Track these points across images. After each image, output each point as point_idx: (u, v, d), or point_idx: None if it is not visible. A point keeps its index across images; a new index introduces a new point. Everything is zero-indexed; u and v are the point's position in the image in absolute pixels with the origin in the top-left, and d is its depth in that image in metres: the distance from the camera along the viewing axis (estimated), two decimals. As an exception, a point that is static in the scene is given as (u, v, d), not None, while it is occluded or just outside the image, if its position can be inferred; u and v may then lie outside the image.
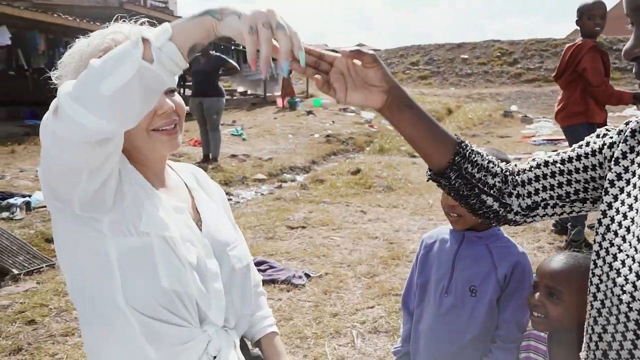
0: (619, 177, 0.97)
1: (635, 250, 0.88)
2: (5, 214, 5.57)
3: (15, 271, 4.30)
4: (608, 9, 4.34)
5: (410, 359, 1.82)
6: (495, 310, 1.65)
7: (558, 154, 1.11)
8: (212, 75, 7.96)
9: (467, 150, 1.07)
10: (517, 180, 1.11)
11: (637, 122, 0.99)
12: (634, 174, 0.96)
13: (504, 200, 1.09)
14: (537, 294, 1.44)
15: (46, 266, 4.51)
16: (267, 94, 19.85)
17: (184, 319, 1.14)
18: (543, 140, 12.48)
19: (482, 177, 1.08)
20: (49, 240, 5.08)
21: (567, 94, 4.42)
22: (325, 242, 4.75)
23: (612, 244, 0.94)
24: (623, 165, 0.97)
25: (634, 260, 0.88)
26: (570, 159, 1.07)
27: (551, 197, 1.08)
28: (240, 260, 1.31)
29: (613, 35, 24.66)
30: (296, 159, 9.51)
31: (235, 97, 19.23)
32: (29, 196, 6.19)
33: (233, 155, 9.20)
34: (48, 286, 3.86)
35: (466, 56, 30.06)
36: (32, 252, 4.72)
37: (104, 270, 1.09)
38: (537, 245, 4.49)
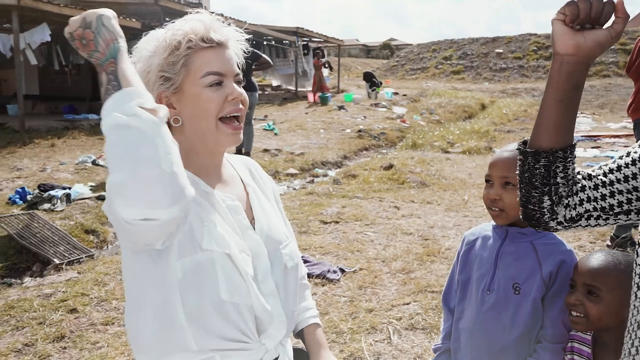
0: None
1: None
2: (46, 206, 5.73)
3: (57, 261, 4.43)
4: None
5: (450, 357, 1.79)
6: (540, 309, 1.60)
7: (600, 167, 1.09)
8: (245, 70, 8.01)
9: (571, 157, 1.05)
10: (571, 191, 1.08)
11: None
12: None
13: (555, 209, 1.07)
14: (575, 294, 1.40)
15: (86, 256, 4.64)
16: (299, 89, 19.90)
17: (242, 332, 1.14)
18: (581, 136, 12.13)
19: (560, 184, 1.05)
20: (88, 232, 5.22)
21: (638, 87, 4.25)
22: (358, 237, 4.73)
23: None
24: None
25: None
26: (611, 170, 1.05)
27: (595, 209, 1.06)
28: (292, 259, 1.31)
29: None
30: (328, 154, 9.50)
31: (266, 92, 19.34)
32: (69, 188, 6.36)
33: (265, 150, 9.27)
34: (88, 276, 3.95)
35: (500, 50, 29.45)
36: (72, 242, 4.85)
37: (168, 291, 1.09)
38: (578, 244, 4.36)
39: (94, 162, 8.16)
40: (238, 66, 1.23)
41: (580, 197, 1.06)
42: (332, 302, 3.36)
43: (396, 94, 19.59)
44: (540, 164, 1.04)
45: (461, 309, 1.74)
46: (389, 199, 6.20)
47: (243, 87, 1.23)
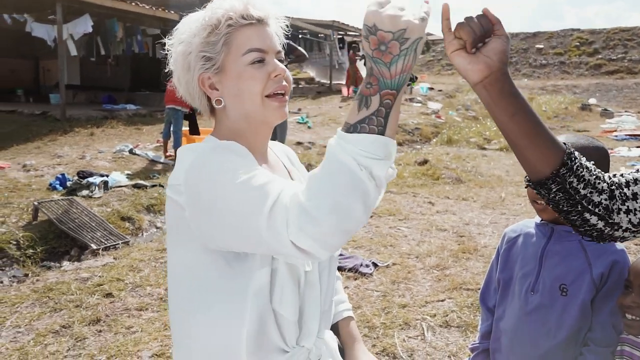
0: None
1: None
2: (85, 192, 5.86)
3: (94, 246, 4.53)
4: None
5: (488, 357, 1.72)
6: (589, 311, 1.53)
7: None
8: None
9: (576, 163, 0.95)
10: (626, 194, 0.98)
11: None
12: None
13: (611, 220, 0.97)
14: (630, 295, 1.32)
15: (122, 243, 4.73)
16: (333, 82, 19.87)
17: (283, 341, 1.11)
18: (626, 135, 11.71)
19: (588, 194, 0.96)
20: (124, 219, 5.32)
21: None
22: (392, 232, 4.66)
23: None
24: None
25: None
26: None
27: None
28: None
29: None
30: (361, 148, 9.45)
31: (300, 86, 19.38)
32: (107, 176, 6.50)
33: (299, 143, 9.27)
34: (124, 262, 4.02)
35: (541, 46, 28.68)
36: (109, 229, 4.95)
37: (240, 298, 1.05)
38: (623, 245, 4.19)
39: (130, 151, 8.32)
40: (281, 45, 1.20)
41: None
42: (364, 296, 3.32)
43: (431, 89, 19.33)
44: (554, 190, 0.95)
45: (502, 309, 1.68)
46: (423, 195, 6.10)
47: None
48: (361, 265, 3.74)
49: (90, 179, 6.15)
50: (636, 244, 4.23)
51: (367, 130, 0.84)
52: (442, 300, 3.25)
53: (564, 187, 0.95)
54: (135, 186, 6.36)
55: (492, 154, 9.49)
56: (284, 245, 0.87)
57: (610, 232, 0.99)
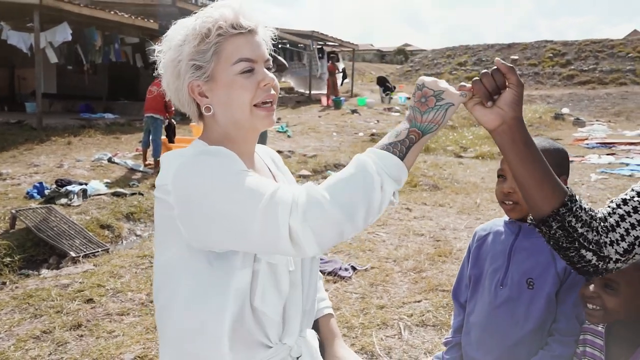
0: None
1: None
2: (64, 200, 5.82)
3: (73, 254, 4.51)
4: None
5: (461, 350, 1.80)
6: (554, 303, 1.61)
7: (632, 189, 1.10)
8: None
9: (576, 205, 1.07)
10: (607, 227, 1.09)
11: None
12: None
13: (602, 254, 1.07)
14: (591, 286, 1.40)
15: (101, 250, 4.71)
16: (312, 92, 19.98)
17: (266, 337, 1.15)
18: (596, 143, 12.04)
19: (584, 233, 1.06)
20: (104, 227, 5.30)
21: None
22: (370, 237, 4.75)
23: None
24: None
25: None
26: None
27: None
28: None
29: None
30: (340, 157, 9.54)
31: (280, 95, 19.41)
32: (86, 184, 6.46)
33: (278, 152, 9.31)
34: (104, 268, 4.01)
35: (516, 57, 29.28)
36: (88, 237, 4.93)
37: (219, 298, 1.09)
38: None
39: (109, 160, 8.27)
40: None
41: (623, 227, 1.06)
42: (343, 298, 3.39)
43: (409, 99, 19.60)
44: (554, 227, 1.06)
45: (473, 303, 1.74)
46: (401, 201, 6.21)
47: None
48: (340, 268, 3.81)
49: (69, 187, 6.10)
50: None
51: (390, 152, 1.02)
52: (419, 301, 3.33)
53: (563, 225, 1.05)
54: (115, 194, 6.34)
55: (468, 161, 9.69)
56: (279, 236, 0.94)
57: (604, 266, 1.08)
